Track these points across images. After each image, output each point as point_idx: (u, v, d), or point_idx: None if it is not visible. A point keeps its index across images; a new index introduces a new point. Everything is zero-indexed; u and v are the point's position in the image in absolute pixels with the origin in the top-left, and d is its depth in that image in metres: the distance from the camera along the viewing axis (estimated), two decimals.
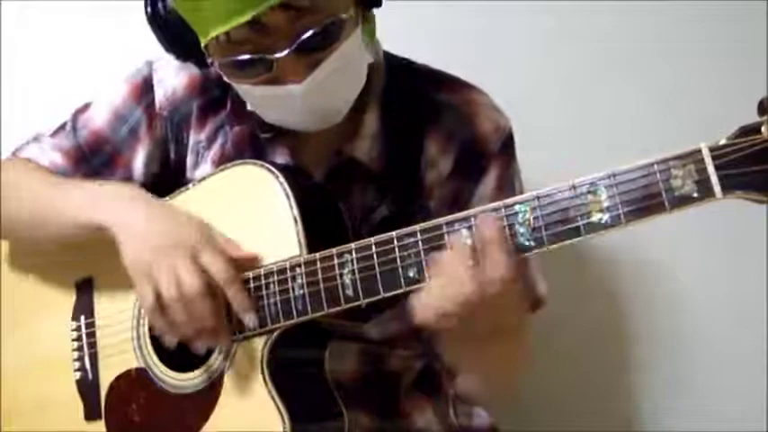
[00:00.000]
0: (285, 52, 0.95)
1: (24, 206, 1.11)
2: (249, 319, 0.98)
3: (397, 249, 0.92)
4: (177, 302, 0.96)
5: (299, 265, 0.98)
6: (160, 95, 1.14)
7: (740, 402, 1.46)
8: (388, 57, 1.13)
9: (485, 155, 1.10)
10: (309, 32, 0.94)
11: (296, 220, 0.99)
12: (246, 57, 0.96)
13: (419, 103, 1.11)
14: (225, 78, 1.02)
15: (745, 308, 1.47)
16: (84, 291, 1.14)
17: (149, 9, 1.00)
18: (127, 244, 1.00)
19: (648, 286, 1.50)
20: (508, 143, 1.12)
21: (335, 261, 0.96)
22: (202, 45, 0.98)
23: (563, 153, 1.42)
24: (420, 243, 0.91)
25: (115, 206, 1.03)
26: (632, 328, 1.51)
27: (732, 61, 1.43)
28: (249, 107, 1.06)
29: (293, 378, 1.02)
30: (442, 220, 0.91)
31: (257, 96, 1.02)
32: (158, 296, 0.97)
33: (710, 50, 1.45)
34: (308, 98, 0.98)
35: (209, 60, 1.00)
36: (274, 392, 0.99)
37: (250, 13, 0.92)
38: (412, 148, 1.10)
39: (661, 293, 1.50)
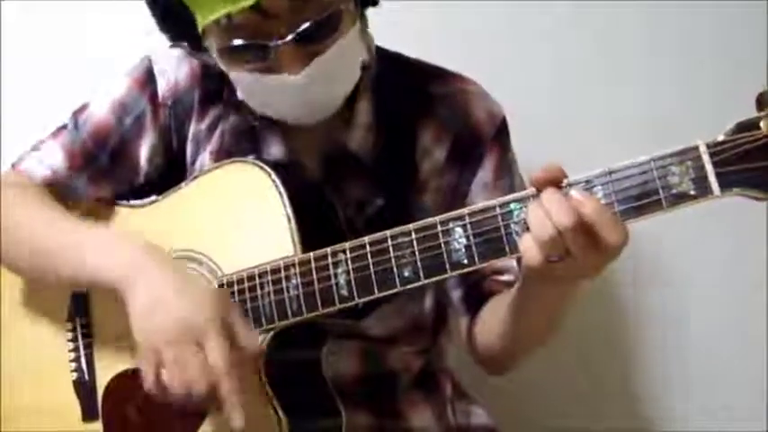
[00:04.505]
0: (285, 40, 0.94)
1: (24, 252, 1.08)
2: (236, 419, 0.90)
3: (391, 249, 0.92)
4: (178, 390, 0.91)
5: (293, 265, 0.97)
6: (162, 85, 1.13)
7: (740, 402, 1.46)
8: (379, 50, 1.12)
9: (480, 142, 1.10)
10: (311, 22, 0.94)
11: (289, 219, 0.99)
12: (245, 42, 0.95)
13: (411, 94, 1.11)
14: (220, 65, 1.01)
15: (746, 308, 1.47)
16: (80, 292, 1.12)
17: None
18: (135, 314, 0.93)
19: (647, 287, 1.50)
20: (502, 130, 1.12)
21: (330, 260, 0.95)
22: (200, 28, 0.97)
23: (561, 152, 1.40)
24: (414, 242, 0.91)
25: (128, 269, 0.96)
26: (634, 328, 1.51)
27: (732, 61, 1.42)
28: (240, 96, 1.05)
29: (290, 377, 1.01)
30: (435, 218, 0.90)
31: (252, 85, 1.01)
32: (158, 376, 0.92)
33: (710, 50, 1.45)
34: (305, 90, 0.98)
35: (205, 44, 0.98)
36: (270, 392, 0.98)
37: None
38: (406, 139, 1.10)
39: (660, 294, 1.49)
